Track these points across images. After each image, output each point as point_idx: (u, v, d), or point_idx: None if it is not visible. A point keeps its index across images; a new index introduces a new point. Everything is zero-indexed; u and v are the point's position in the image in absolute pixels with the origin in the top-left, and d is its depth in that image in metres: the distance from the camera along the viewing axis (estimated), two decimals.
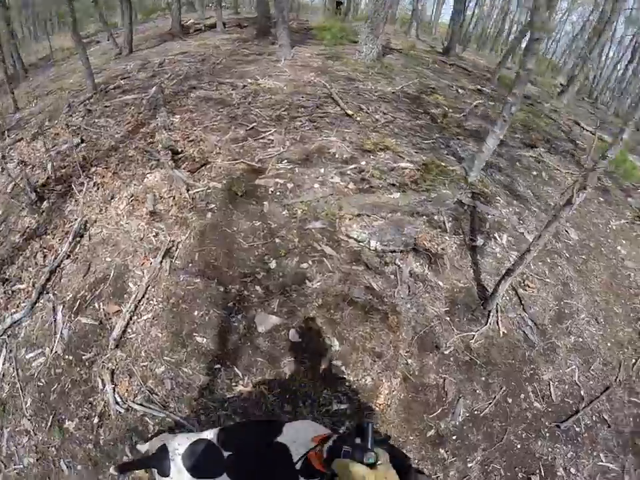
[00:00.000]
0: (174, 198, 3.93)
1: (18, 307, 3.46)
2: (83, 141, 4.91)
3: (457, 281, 3.73)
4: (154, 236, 3.67)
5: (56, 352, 3.16)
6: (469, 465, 2.83)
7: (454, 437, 2.91)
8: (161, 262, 3.46)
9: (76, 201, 4.13)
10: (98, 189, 4.25)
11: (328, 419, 2.86)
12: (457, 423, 2.98)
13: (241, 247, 3.55)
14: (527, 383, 3.30)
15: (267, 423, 2.13)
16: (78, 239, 3.83)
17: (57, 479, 2.71)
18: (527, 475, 2.89)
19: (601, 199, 5.77)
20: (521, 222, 4.57)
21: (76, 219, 3.91)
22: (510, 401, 3.16)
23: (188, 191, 3.95)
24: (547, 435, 3.09)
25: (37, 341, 3.23)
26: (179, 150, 4.44)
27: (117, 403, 2.89)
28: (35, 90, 7.27)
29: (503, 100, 7.53)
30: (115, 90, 6.08)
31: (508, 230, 4.36)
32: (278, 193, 3.96)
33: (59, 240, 3.86)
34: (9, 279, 3.67)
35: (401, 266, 3.63)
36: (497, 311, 3.58)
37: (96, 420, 2.84)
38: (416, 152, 4.97)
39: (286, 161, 4.30)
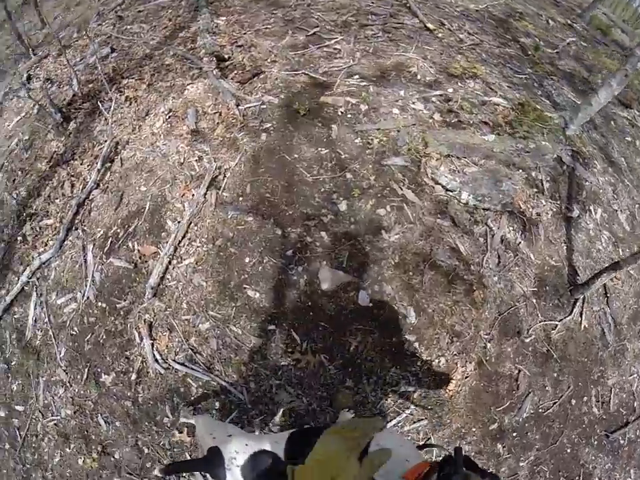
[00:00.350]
0: (220, 114, 3.17)
1: (46, 245, 3.03)
2: (113, 50, 4.08)
3: (548, 256, 3.09)
4: (196, 160, 2.99)
5: (88, 298, 2.78)
6: (521, 464, 2.66)
7: (514, 434, 2.67)
8: (206, 193, 2.81)
9: (105, 119, 3.45)
10: (130, 104, 3.50)
11: (391, 400, 2.45)
12: (521, 420, 2.70)
13: (304, 179, 2.82)
14: (592, 386, 2.97)
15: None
16: (108, 164, 3.20)
17: (95, 432, 2.56)
18: None
19: None
20: (615, 196, 3.80)
21: (105, 141, 3.27)
22: (573, 402, 2.86)
23: (238, 105, 3.15)
24: (595, 443, 2.90)
25: (68, 285, 2.87)
26: (226, 57, 3.58)
27: (156, 360, 2.53)
28: (63, 2, 6.36)
29: (597, 43, 6.24)
30: None
31: (603, 204, 3.63)
32: (349, 116, 3.11)
33: (88, 166, 3.27)
34: (36, 213, 3.22)
35: (492, 228, 2.91)
36: (583, 301, 3.06)
37: (134, 376, 2.54)
38: (508, 86, 3.97)
39: (357, 76, 3.38)
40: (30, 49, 4.34)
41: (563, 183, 3.47)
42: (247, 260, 2.58)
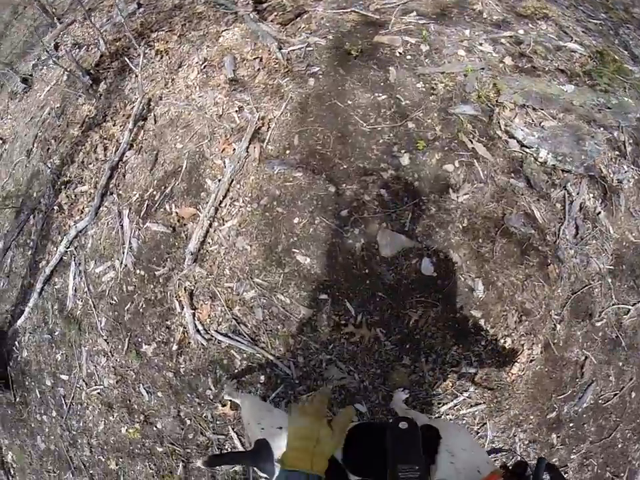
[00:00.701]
0: (261, 60, 2.79)
1: (82, 213, 2.87)
2: (140, 6, 3.72)
3: (628, 231, 2.66)
4: (236, 112, 2.65)
5: (125, 266, 2.60)
6: (572, 456, 2.43)
7: (571, 424, 2.42)
8: (248, 147, 2.50)
9: (136, 76, 3.15)
10: (161, 57, 3.15)
11: (450, 381, 2.19)
12: (580, 410, 2.43)
13: (359, 129, 2.43)
14: None
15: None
16: (141, 122, 2.92)
17: (138, 402, 2.47)
18: (613, 476, 2.52)
19: None
20: None
21: (137, 99, 2.98)
22: (633, 395, 2.54)
23: (280, 49, 2.76)
24: None
25: (106, 252, 2.71)
26: None
27: (198, 331, 2.33)
28: None
29: None
30: None
31: None
32: (408, 57, 2.65)
33: (120, 127, 3.00)
34: (70, 181, 3.05)
35: (572, 193, 2.48)
36: None
37: (175, 347, 2.38)
38: (583, 32, 3.40)
39: (414, 13, 2.88)
40: (55, 18, 4.08)
41: None
42: (296, 221, 2.28)
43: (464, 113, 2.45)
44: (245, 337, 2.27)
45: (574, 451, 2.41)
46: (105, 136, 3.05)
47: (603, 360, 2.47)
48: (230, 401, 2.23)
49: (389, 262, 2.17)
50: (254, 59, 2.83)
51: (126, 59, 3.20)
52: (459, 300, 2.17)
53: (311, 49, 2.76)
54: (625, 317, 2.54)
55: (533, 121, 2.53)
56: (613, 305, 2.52)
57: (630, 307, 2.56)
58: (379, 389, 2.16)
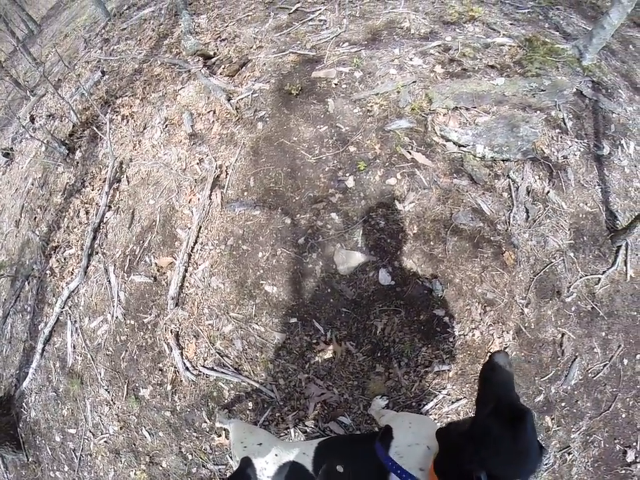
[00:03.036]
0: (214, 112, 2.93)
1: (72, 274, 2.98)
2: (104, 74, 3.93)
3: (582, 203, 2.63)
4: (198, 163, 2.77)
5: (117, 317, 2.70)
6: (572, 436, 2.30)
7: (562, 404, 2.32)
8: (210, 195, 2.61)
9: (110, 141, 3.32)
10: (127, 121, 3.33)
11: (426, 382, 2.16)
12: (569, 388, 2.32)
13: (306, 161, 2.52)
14: None
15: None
16: (116, 185, 3.07)
17: (142, 445, 2.49)
18: (624, 447, 2.35)
19: None
20: None
21: (110, 163, 3.14)
22: (625, 362, 2.43)
23: (229, 100, 2.90)
24: None
25: (97, 308, 2.81)
26: (211, 53, 3.31)
27: (187, 368, 2.40)
28: (52, 39, 6.30)
29: None
30: (129, 10, 4.79)
31: (634, 136, 3.04)
32: (344, 86, 2.76)
33: (98, 191, 3.15)
34: (58, 246, 3.17)
35: (516, 180, 2.50)
36: (626, 248, 2.58)
37: (169, 387, 2.43)
38: (511, 24, 3.43)
39: (347, 43, 3.00)
40: (28, 91, 4.30)
41: (587, 119, 2.95)
42: (260, 255, 2.36)
43: (400, 128, 2.51)
44: (229, 368, 2.32)
45: (573, 430, 2.31)
46: (86, 200, 3.19)
47: (583, 334, 2.40)
48: (222, 429, 2.28)
49: (348, 279, 2.22)
50: (208, 112, 2.97)
51: (94, 128, 3.36)
52: (420, 303, 2.19)
53: (257, 94, 2.88)
54: (596, 286, 2.49)
55: (466, 120, 2.58)
56: (581, 277, 2.48)
57: (600, 276, 2.50)
58: (359, 400, 2.17)
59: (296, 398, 2.23)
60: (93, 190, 3.21)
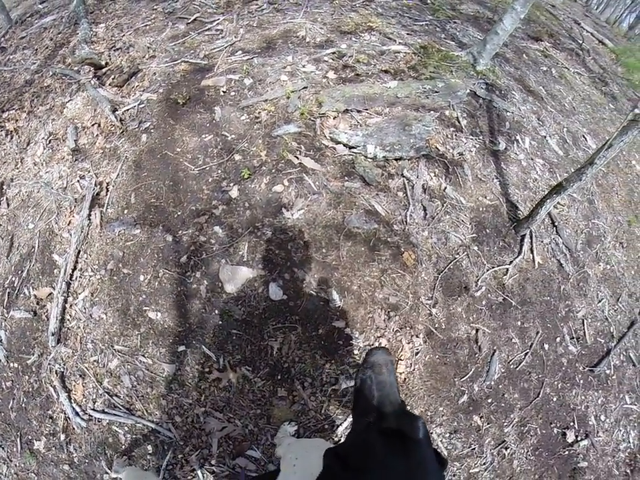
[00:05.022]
0: (99, 125, 2.43)
1: None
2: None
3: (482, 196, 2.44)
4: (78, 181, 2.27)
5: (0, 361, 2.11)
6: (505, 430, 2.06)
7: (489, 400, 2.06)
8: (89, 215, 2.11)
9: None
10: (12, 137, 2.73)
11: (335, 400, 1.81)
12: (492, 383, 2.07)
13: (189, 173, 2.12)
14: (562, 324, 2.34)
15: None
16: None
17: None
18: (562, 430, 2.17)
19: (611, 106, 4.19)
20: (540, 123, 3.16)
21: None
22: (546, 347, 2.25)
23: (115, 111, 2.41)
24: (581, 381, 2.31)
25: None
26: (103, 63, 2.79)
27: (77, 414, 1.92)
28: None
29: None
30: (31, 17, 4.12)
31: (529, 132, 2.99)
32: (232, 94, 2.39)
33: None
34: None
35: (410, 178, 2.25)
36: (530, 236, 2.42)
37: (62, 437, 1.95)
38: (408, 34, 3.25)
39: (240, 51, 2.64)
40: None
41: (482, 117, 2.81)
42: (141, 278, 1.93)
43: (288, 132, 2.19)
44: (120, 409, 1.87)
45: (505, 424, 2.07)
46: None
47: (498, 326, 2.18)
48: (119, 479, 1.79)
49: (236, 297, 1.85)
50: (93, 125, 2.48)
51: None
52: (317, 316, 1.87)
53: (143, 105, 2.45)
54: (505, 277, 2.28)
55: (357, 122, 2.30)
56: (488, 270, 2.25)
57: (507, 266, 2.31)
58: (266, 429, 1.80)
59: (196, 435, 1.82)
60: None
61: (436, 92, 2.67)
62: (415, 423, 0.63)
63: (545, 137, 3.11)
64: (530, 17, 5.07)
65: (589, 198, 3.02)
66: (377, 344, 1.90)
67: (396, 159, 2.24)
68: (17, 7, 4.82)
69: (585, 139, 3.51)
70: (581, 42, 5.00)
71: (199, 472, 1.78)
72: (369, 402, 0.71)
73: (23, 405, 2.04)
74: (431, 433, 1.93)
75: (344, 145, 2.16)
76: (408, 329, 1.96)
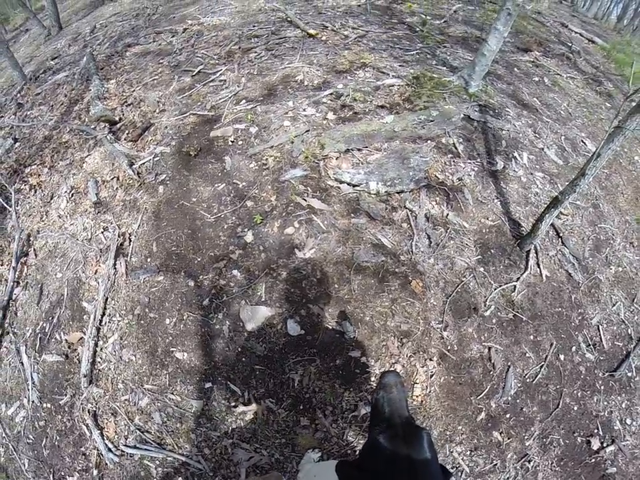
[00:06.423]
0: (118, 179, 2.72)
1: None
2: (16, 140, 3.63)
3: (484, 218, 2.61)
4: (102, 232, 2.54)
5: (33, 402, 2.35)
6: (527, 443, 2.13)
7: (507, 415, 2.15)
8: (115, 264, 2.37)
9: (16, 213, 2.98)
10: (35, 191, 3.06)
11: (356, 426, 1.96)
12: (509, 398, 2.17)
13: (206, 221, 2.37)
14: (576, 332, 2.44)
15: None
16: (24, 258, 2.76)
17: None
18: (586, 438, 2.22)
19: (608, 105, 4.34)
20: (537, 136, 3.33)
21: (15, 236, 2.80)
22: (562, 357, 2.35)
23: (131, 165, 2.71)
24: (602, 387, 2.36)
25: (13, 392, 2.45)
26: (117, 119, 3.13)
27: (109, 450, 2.10)
28: None
29: (482, 3, 5.80)
30: (45, 74, 4.57)
31: (526, 147, 3.17)
32: (240, 142, 2.67)
33: (7, 266, 2.80)
34: None
35: (413, 210, 2.46)
36: (535, 251, 2.57)
37: (95, 472, 2.13)
38: (400, 65, 3.54)
39: (244, 100, 2.95)
40: None
41: (478, 140, 3.02)
42: (167, 321, 2.15)
43: (294, 177, 2.44)
44: (151, 444, 2.06)
45: (526, 437, 2.16)
46: None
47: (510, 342, 2.30)
48: None
49: (257, 334, 2.06)
50: (112, 178, 2.77)
51: (1, 199, 2.99)
52: (334, 347, 2.06)
53: (158, 158, 2.74)
54: (513, 294, 2.42)
55: (358, 160, 2.55)
56: (495, 289, 2.40)
57: (515, 283, 2.45)
58: (291, 457, 1.96)
59: (225, 466, 1.99)
60: (2, 265, 2.84)
61: (431, 121, 2.93)
62: (419, 432, 0.80)
63: (543, 148, 3.26)
64: (517, 28, 5.31)
65: (594, 202, 3.14)
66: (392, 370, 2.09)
67: (398, 192, 2.46)
68: (30, 63, 5.31)
69: (584, 143, 3.64)
70: (570, 45, 5.24)
71: None
72: (381, 416, 0.89)
73: (56, 443, 2.23)
74: (451, 452, 2.04)
75: (347, 184, 2.40)
76: (421, 353, 2.11)
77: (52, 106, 3.83)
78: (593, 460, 2.22)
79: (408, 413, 0.90)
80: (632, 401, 2.41)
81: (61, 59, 4.75)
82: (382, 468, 0.76)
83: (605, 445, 2.26)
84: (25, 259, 2.76)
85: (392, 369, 2.04)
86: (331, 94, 3.01)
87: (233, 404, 1.97)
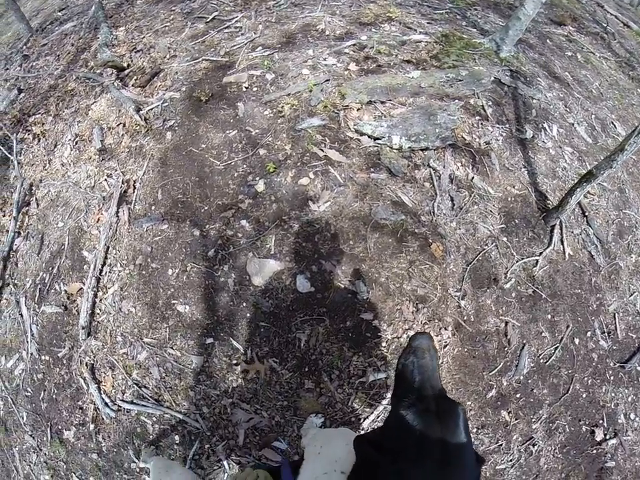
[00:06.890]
0: (124, 125, 2.58)
1: None
2: (21, 91, 3.51)
3: (510, 186, 2.45)
4: (105, 180, 2.42)
5: (31, 354, 2.30)
6: (533, 426, 2.06)
7: (517, 395, 2.07)
8: (117, 212, 2.26)
9: (19, 162, 2.88)
10: (39, 140, 2.93)
11: (362, 393, 1.86)
12: (521, 377, 2.08)
13: (215, 169, 2.23)
14: (593, 318, 2.32)
15: None
16: (25, 208, 2.67)
17: None
18: (591, 427, 2.15)
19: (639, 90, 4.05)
20: (568, 110, 3.13)
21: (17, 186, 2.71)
22: (577, 341, 2.24)
23: (139, 111, 2.57)
24: (611, 378, 2.28)
25: (13, 345, 2.41)
26: (125, 65, 2.98)
27: (106, 404, 2.06)
28: None
29: None
30: (52, 24, 4.39)
31: (557, 119, 2.97)
32: (255, 89, 2.49)
33: (9, 216, 2.73)
34: None
35: (437, 169, 2.29)
36: (560, 227, 2.41)
37: (92, 426, 2.09)
38: (428, 23, 3.31)
39: (260, 47, 2.75)
40: None
41: (508, 105, 2.82)
42: (170, 272, 2.04)
43: (311, 126, 2.28)
44: (149, 399, 1.98)
45: (533, 420, 2.08)
46: None
47: (527, 319, 2.18)
48: (147, 469, 1.91)
49: (264, 289, 1.94)
50: (118, 125, 2.64)
51: (4, 149, 2.90)
52: (345, 308, 1.93)
53: (167, 104, 2.59)
54: (534, 269, 2.29)
55: (381, 113, 2.38)
56: (517, 261, 2.27)
57: (537, 258, 2.31)
58: (292, 421, 1.88)
59: (223, 426, 1.91)
60: (4, 216, 2.77)
61: (460, 80, 2.73)
62: (455, 408, 0.65)
63: (573, 124, 3.09)
64: (552, 0, 5.06)
65: (620, 187, 2.97)
66: (405, 337, 1.94)
67: (422, 149, 2.29)
68: (37, 16, 5.16)
69: (614, 125, 3.45)
70: (605, 25, 4.89)
71: (225, 462, 1.88)
72: (409, 385, 0.73)
73: (54, 396, 2.19)
74: None
75: (369, 137, 2.22)
76: (436, 321, 1.99)
77: (58, 56, 3.69)
78: (595, 451, 2.14)
79: (441, 385, 0.75)
80: (638, 395, 2.32)
81: (69, 10, 4.58)
82: (409, 453, 0.62)
83: (607, 437, 2.18)
84: (27, 208, 2.67)
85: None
86: (354, 45, 2.81)
87: (234, 362, 1.88)
